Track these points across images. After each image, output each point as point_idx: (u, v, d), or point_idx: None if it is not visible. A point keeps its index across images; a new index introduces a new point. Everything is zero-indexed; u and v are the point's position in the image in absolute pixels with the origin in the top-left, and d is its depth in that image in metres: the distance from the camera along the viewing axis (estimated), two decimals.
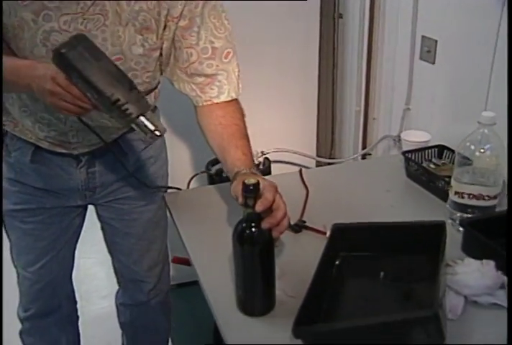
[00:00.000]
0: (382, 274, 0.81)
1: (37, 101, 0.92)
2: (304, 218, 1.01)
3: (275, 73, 1.64)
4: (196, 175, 1.35)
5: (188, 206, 1.09)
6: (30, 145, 1.00)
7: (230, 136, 0.89)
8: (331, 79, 1.78)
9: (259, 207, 0.72)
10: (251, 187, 0.70)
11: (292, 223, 0.92)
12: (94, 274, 1.84)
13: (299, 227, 0.98)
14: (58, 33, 0.83)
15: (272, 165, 1.67)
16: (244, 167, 0.87)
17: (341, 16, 1.67)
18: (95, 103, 0.74)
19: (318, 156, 1.82)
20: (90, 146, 1.01)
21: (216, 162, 1.56)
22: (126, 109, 0.74)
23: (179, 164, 1.19)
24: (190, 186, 1.30)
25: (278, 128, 1.72)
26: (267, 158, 1.68)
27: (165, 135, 0.82)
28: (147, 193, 1.11)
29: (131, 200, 1.11)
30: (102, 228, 1.18)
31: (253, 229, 0.73)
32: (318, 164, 1.83)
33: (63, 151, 1.00)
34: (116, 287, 1.29)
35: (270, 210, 0.77)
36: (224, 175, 1.48)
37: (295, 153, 1.73)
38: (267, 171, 1.62)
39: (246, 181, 0.70)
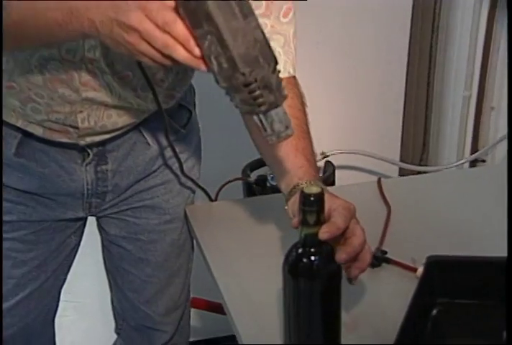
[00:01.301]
0: (504, 334, 0.79)
1: (33, 71, 0.92)
2: (384, 247, 1.03)
3: (340, 36, 1.66)
4: (229, 182, 1.36)
5: (218, 225, 1.12)
6: (15, 131, 1.00)
7: None
8: (428, 48, 1.76)
9: (324, 233, 0.75)
10: (312, 198, 0.73)
11: None
12: (68, 325, 1.69)
13: (378, 260, 1.00)
14: None
15: (337, 172, 1.70)
16: (307, 178, 0.90)
17: None
18: (212, 69, 0.74)
19: (402, 161, 1.83)
20: (103, 134, 1.02)
21: (256, 165, 1.59)
22: (260, 96, 0.75)
23: (206, 167, 1.21)
24: (219, 198, 1.30)
25: (345, 120, 1.73)
26: (329, 162, 1.71)
27: None
28: (174, 203, 1.14)
29: (151, 213, 1.13)
30: (104, 250, 1.21)
31: (313, 257, 0.76)
32: (403, 172, 1.85)
33: (64, 140, 1.01)
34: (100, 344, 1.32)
35: (341, 237, 0.81)
36: (268, 185, 1.53)
37: (368, 156, 1.75)
38: (329, 180, 1.66)
39: (305, 190, 0.73)
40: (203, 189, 1.20)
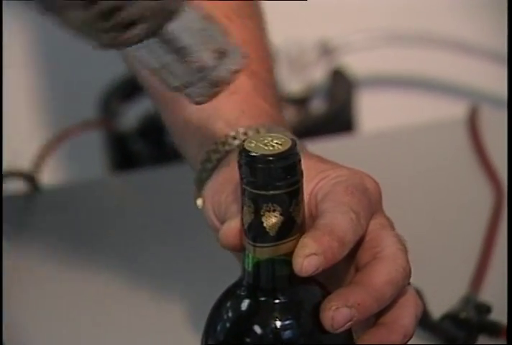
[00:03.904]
0: None
1: None
2: (486, 295, 0.63)
3: None
4: (58, 142, 0.88)
5: (34, 254, 0.70)
6: None
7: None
8: None
9: (306, 259, 0.46)
10: (271, 163, 0.46)
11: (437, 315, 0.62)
12: None
13: (467, 327, 0.59)
14: None
15: (364, 99, 1.16)
16: (260, 120, 0.60)
17: None
18: None
19: None
20: None
21: (129, 91, 1.21)
22: None
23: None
24: (48, 179, 0.86)
25: None
26: (340, 75, 1.20)
27: None
28: None
29: None
30: None
31: (278, 323, 0.47)
32: None
33: None
34: None
35: (349, 264, 0.50)
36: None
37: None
38: (345, 117, 1.14)
39: (246, 144, 0.47)
40: None
